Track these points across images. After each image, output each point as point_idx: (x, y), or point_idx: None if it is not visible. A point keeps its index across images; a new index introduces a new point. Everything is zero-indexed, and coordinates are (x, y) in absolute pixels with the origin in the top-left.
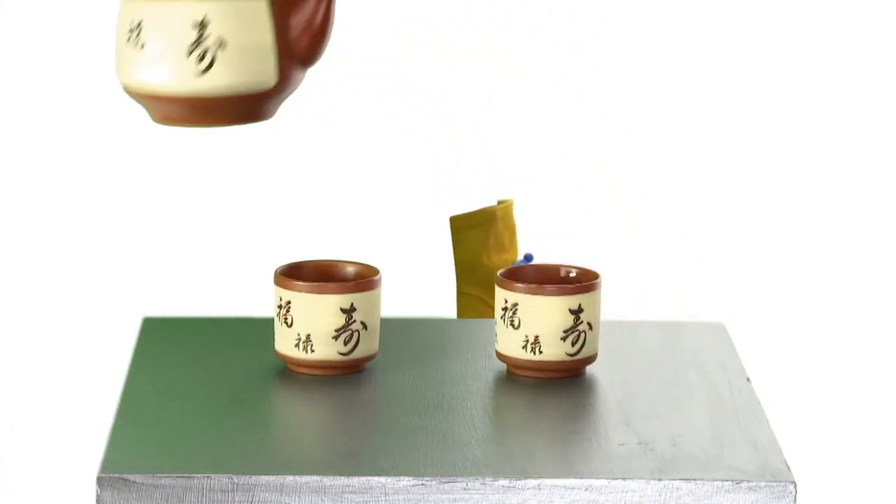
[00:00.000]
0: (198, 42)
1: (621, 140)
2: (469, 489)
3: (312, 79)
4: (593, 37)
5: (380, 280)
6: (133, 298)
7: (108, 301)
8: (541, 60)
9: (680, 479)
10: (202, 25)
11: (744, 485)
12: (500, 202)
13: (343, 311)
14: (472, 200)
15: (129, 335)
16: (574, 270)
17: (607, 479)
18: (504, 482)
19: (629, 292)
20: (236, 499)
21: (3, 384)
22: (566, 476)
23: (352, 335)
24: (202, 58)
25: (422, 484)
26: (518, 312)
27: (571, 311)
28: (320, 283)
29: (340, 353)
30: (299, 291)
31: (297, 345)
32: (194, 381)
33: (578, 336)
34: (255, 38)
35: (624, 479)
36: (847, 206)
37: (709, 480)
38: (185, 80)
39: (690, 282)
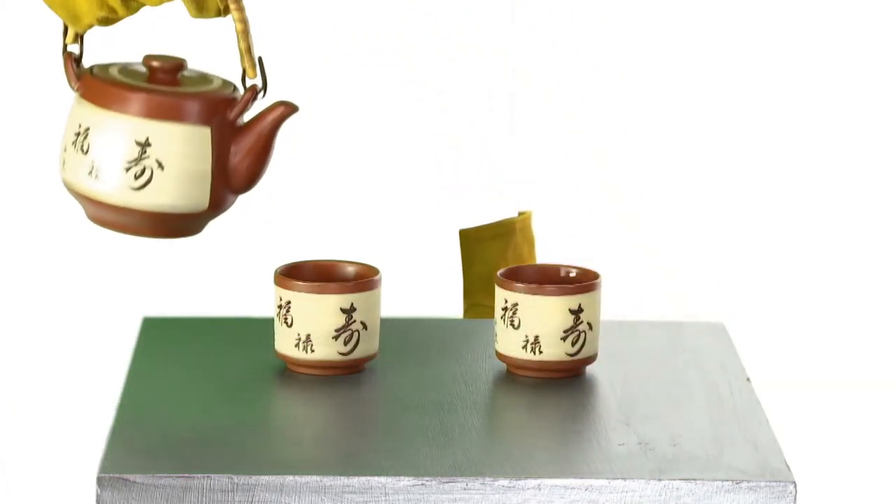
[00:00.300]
0: (138, 160)
1: (621, 140)
2: (469, 489)
3: (313, 78)
4: (593, 36)
5: (380, 280)
6: (133, 298)
7: (108, 301)
8: (540, 60)
9: (680, 479)
10: (145, 144)
11: (744, 485)
12: (519, 213)
13: (343, 311)
14: (471, 200)
15: (129, 335)
16: (574, 270)
17: (607, 479)
18: (504, 482)
19: (629, 292)
20: (236, 499)
21: (3, 384)
22: (566, 476)
23: (352, 335)
24: (139, 175)
25: (422, 484)
26: (518, 312)
27: (571, 311)
28: (320, 283)
29: (340, 353)
30: (299, 291)
31: (297, 345)
32: (194, 381)
33: (578, 336)
34: (193, 165)
35: (624, 479)
36: (847, 206)
37: (709, 480)
38: (119, 192)
39: (690, 282)
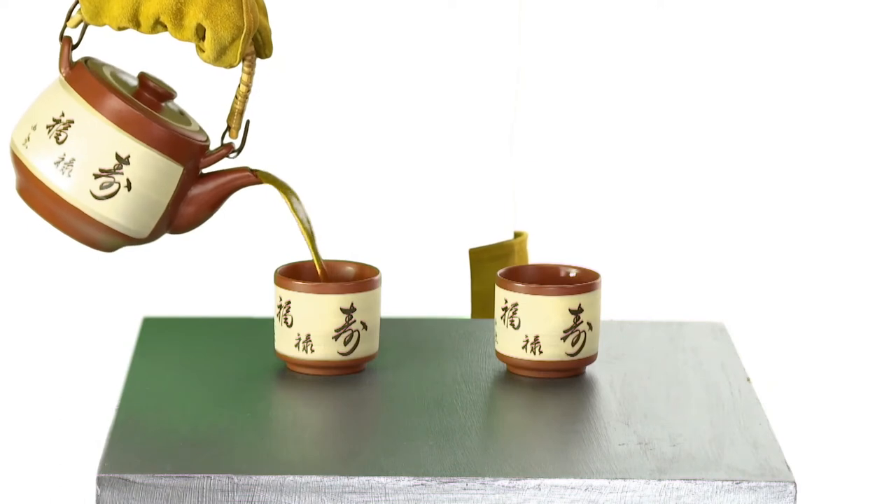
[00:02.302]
0: (111, 172)
1: (621, 140)
2: (469, 489)
3: (313, 77)
4: (592, 36)
5: (380, 280)
6: (133, 298)
7: (108, 301)
8: (539, 61)
9: (680, 479)
10: (124, 161)
11: (744, 485)
12: (516, 235)
13: (343, 311)
14: (471, 200)
15: (129, 335)
16: (574, 270)
17: (607, 479)
18: (504, 482)
19: (629, 292)
20: (236, 499)
21: (3, 384)
22: (566, 476)
23: (352, 335)
24: (106, 186)
25: (422, 484)
26: (518, 312)
27: (571, 311)
28: (320, 283)
29: (340, 353)
30: (299, 291)
31: (297, 345)
32: (194, 381)
33: (578, 336)
34: (155, 196)
35: (624, 479)
36: (847, 206)
37: (709, 480)
38: (77, 193)
39: (690, 282)
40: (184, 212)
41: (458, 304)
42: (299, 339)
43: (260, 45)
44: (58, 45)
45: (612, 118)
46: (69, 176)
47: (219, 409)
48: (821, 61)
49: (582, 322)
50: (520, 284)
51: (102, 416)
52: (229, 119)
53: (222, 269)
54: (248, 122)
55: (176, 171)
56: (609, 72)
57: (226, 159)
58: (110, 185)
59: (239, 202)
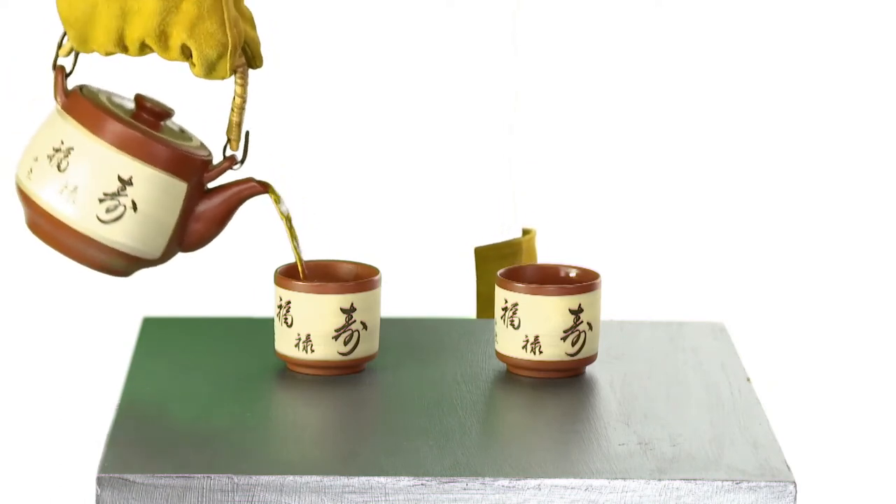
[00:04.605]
0: (115, 195)
1: (621, 140)
2: (469, 489)
3: (314, 76)
4: (591, 36)
5: (380, 280)
6: (133, 298)
7: (108, 301)
8: (538, 61)
9: (680, 479)
10: (127, 182)
11: (744, 485)
12: (524, 232)
13: (343, 311)
14: (472, 198)
15: (129, 335)
16: (574, 270)
17: (607, 479)
18: (504, 482)
19: (629, 292)
20: (236, 499)
21: (3, 384)
22: (566, 476)
23: (352, 335)
24: (111, 210)
25: (422, 484)
26: (518, 312)
27: (571, 311)
28: (320, 283)
29: (340, 353)
30: (299, 291)
31: (297, 345)
32: (194, 381)
33: (578, 336)
34: (162, 215)
35: (624, 479)
36: (846, 206)
37: (709, 480)
38: (84, 219)
39: (690, 282)
40: (192, 229)
41: (460, 304)
42: (299, 339)
43: (249, 57)
44: (51, 74)
45: (612, 118)
46: (74, 203)
47: (219, 409)
48: (820, 61)
49: (582, 322)
50: (520, 284)
51: (102, 416)
52: (228, 132)
53: (222, 269)
54: (247, 133)
55: (180, 188)
56: (608, 72)
57: (230, 172)
58: (115, 207)
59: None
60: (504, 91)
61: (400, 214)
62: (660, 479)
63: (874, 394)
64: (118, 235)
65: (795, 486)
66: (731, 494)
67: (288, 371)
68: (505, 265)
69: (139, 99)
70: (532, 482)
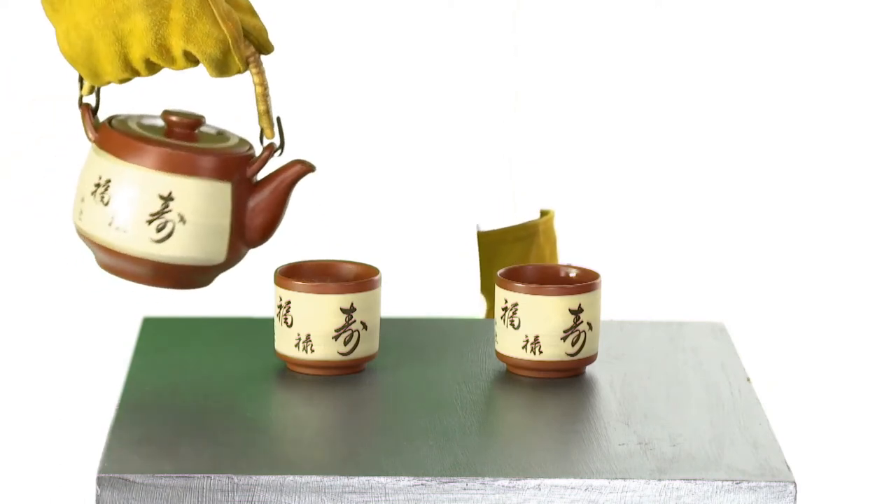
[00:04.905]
0: (160, 213)
1: (620, 140)
2: (469, 489)
3: (315, 75)
4: (591, 37)
5: (380, 280)
6: (133, 298)
7: (108, 301)
8: (537, 61)
9: (680, 479)
10: (168, 199)
11: (744, 485)
12: (542, 213)
13: (343, 311)
14: (469, 200)
15: (129, 335)
16: (574, 270)
17: (607, 479)
18: (504, 482)
19: (629, 292)
20: (236, 499)
21: (3, 384)
22: (566, 476)
23: (352, 335)
24: (161, 228)
25: (422, 484)
26: (518, 312)
27: (571, 311)
28: (320, 283)
29: (340, 353)
30: (299, 291)
31: (297, 345)
32: (194, 381)
33: (578, 336)
34: (213, 220)
35: (624, 479)
36: (846, 206)
37: (709, 480)
38: (139, 243)
39: (690, 282)
40: (252, 224)
41: (460, 304)
42: (299, 339)
43: (258, 45)
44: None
45: (612, 118)
46: (126, 231)
47: (219, 409)
48: (820, 61)
49: (582, 322)
50: (520, 284)
51: (102, 416)
52: (260, 122)
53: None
54: (279, 119)
55: (223, 189)
56: (607, 72)
57: (275, 159)
58: (164, 225)
59: None
60: (504, 91)
61: (400, 214)
62: (660, 479)
63: (874, 394)
64: (175, 251)
65: (795, 486)
66: (731, 494)
67: (288, 371)
68: (521, 248)
69: (166, 115)
70: (532, 482)
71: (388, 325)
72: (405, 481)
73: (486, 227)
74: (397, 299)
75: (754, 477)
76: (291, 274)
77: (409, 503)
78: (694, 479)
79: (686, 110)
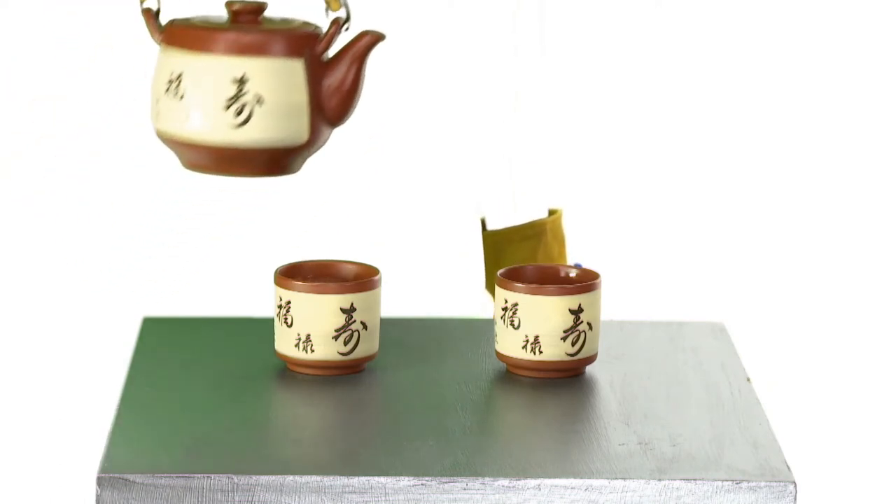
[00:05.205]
0: (236, 97)
1: (620, 140)
2: (469, 489)
3: None
4: (591, 37)
5: (380, 280)
6: (133, 298)
7: (108, 301)
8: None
9: (680, 479)
10: (242, 81)
11: (744, 485)
12: (550, 212)
13: (343, 311)
14: (469, 200)
15: (129, 335)
16: (574, 270)
17: (607, 479)
18: (504, 482)
19: (629, 292)
20: (236, 499)
21: (3, 384)
22: (566, 476)
23: (352, 335)
24: (240, 112)
25: (422, 484)
26: (518, 312)
27: (571, 311)
28: (320, 283)
29: (340, 353)
30: (299, 291)
31: (297, 345)
32: (194, 381)
33: (578, 336)
34: (290, 97)
35: (624, 479)
36: (846, 206)
37: (709, 480)
38: (221, 131)
39: (690, 282)
40: (330, 102)
41: (461, 303)
42: (299, 339)
43: None
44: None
45: (612, 118)
46: (204, 122)
47: (219, 409)
48: (820, 60)
49: (582, 322)
50: (520, 284)
51: (102, 416)
52: None
53: (222, 269)
54: None
55: (296, 66)
56: (607, 72)
57: (343, 36)
58: (242, 108)
59: (238, 202)
60: (504, 91)
61: (400, 214)
62: (660, 479)
63: (874, 394)
64: (256, 133)
65: (795, 486)
66: (731, 494)
67: (288, 371)
68: (528, 247)
69: (229, 5)
70: (532, 482)
71: (388, 325)
72: (405, 481)
73: (490, 227)
74: (397, 299)
75: (754, 477)
76: (291, 274)
77: (409, 503)
78: (694, 479)
79: (686, 110)
